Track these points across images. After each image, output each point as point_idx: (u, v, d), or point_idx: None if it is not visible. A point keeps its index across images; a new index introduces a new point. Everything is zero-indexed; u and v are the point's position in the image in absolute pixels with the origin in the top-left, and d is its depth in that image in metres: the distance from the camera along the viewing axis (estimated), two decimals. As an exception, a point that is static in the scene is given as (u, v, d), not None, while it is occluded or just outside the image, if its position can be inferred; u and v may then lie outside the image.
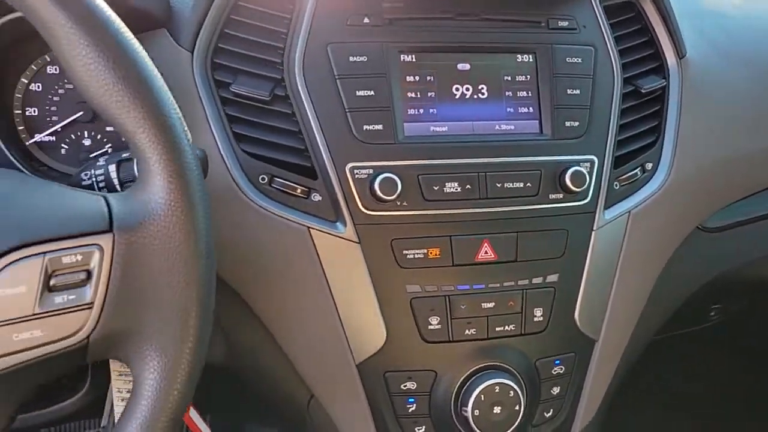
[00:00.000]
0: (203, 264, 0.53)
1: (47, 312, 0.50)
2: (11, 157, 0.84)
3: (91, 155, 0.92)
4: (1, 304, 0.48)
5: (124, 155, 0.66)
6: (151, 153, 0.51)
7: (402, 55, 0.79)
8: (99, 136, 0.92)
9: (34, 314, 0.49)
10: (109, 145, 0.92)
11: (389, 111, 0.77)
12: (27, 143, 0.89)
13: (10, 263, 0.49)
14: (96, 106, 0.51)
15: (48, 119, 0.90)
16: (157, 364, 0.52)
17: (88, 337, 0.50)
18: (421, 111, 0.80)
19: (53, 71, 0.90)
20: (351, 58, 0.77)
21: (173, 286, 0.51)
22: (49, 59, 0.90)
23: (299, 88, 0.76)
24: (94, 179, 0.66)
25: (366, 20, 0.78)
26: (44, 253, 0.50)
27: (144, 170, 0.52)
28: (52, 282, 0.50)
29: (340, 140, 0.76)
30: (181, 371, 0.53)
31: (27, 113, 0.89)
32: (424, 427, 0.80)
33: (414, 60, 0.80)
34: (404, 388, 0.79)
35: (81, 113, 0.90)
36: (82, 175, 0.67)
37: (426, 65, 0.80)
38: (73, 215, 0.51)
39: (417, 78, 0.80)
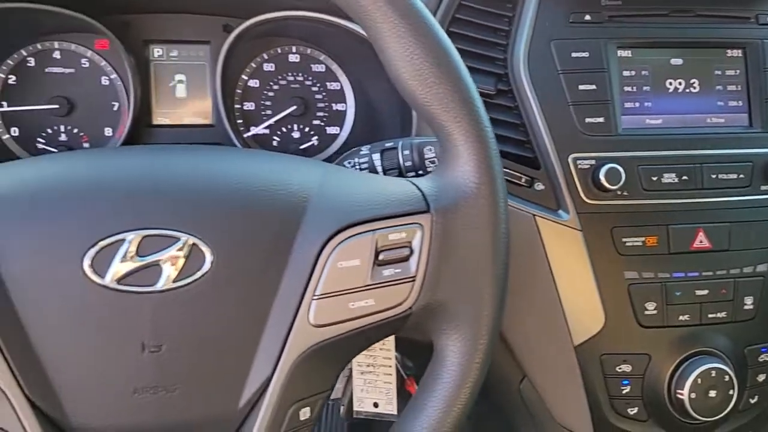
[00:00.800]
0: (504, 238, 0.57)
1: (378, 283, 0.55)
2: (240, 147, 0.91)
3: (300, 147, 0.98)
4: (340, 275, 0.54)
5: (387, 145, 0.71)
6: (463, 142, 0.56)
7: (620, 51, 0.82)
8: (307, 129, 0.98)
9: (367, 285, 0.54)
10: (316, 137, 0.98)
11: (609, 104, 0.81)
12: (245, 135, 0.96)
13: (347, 239, 0.54)
14: (412, 97, 0.56)
15: (263, 113, 0.97)
16: (463, 336, 0.57)
17: (411, 307, 0.55)
18: (637, 104, 0.83)
19: (269, 68, 0.97)
20: (573, 54, 0.81)
21: (482, 260, 0.56)
22: (266, 57, 0.96)
23: (524, 82, 0.80)
24: (357, 167, 0.72)
25: (587, 17, 0.82)
26: (374, 230, 0.55)
27: (452, 156, 0.57)
28: (380, 257, 0.55)
29: (563, 132, 0.80)
30: (483, 342, 0.57)
31: (245, 108, 0.96)
32: (636, 408, 0.83)
33: (630, 55, 0.83)
34: (619, 371, 0.82)
35: (294, 107, 0.96)
36: (345, 162, 0.73)
37: (641, 60, 0.83)
38: (394, 198, 0.56)
39: (633, 73, 0.83)
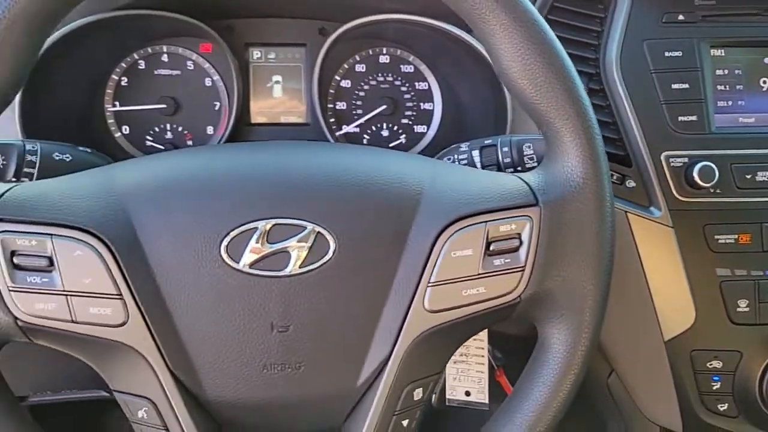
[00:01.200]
0: (610, 231, 0.59)
1: (489, 272, 0.57)
2: (333, 146, 0.95)
3: (389, 145, 1.02)
4: (454, 264, 0.57)
5: (486, 142, 0.74)
6: (571, 138, 0.58)
7: (713, 50, 0.83)
8: (395, 128, 1.02)
9: (479, 274, 0.57)
10: (404, 135, 1.02)
11: (702, 103, 0.82)
12: (336, 134, 1.00)
13: (460, 230, 0.57)
14: (520, 94, 0.58)
15: (354, 113, 1.01)
16: (569, 325, 0.59)
17: (520, 296, 0.58)
18: (730, 103, 0.84)
19: (361, 69, 1.01)
20: (666, 54, 0.82)
21: (589, 252, 0.58)
22: (358, 58, 1.00)
23: (616, 82, 0.82)
24: (456, 163, 0.75)
25: (680, 17, 0.83)
26: (485, 222, 0.58)
27: (559, 152, 0.59)
28: (491, 247, 0.58)
29: (655, 130, 0.82)
30: (588, 331, 0.59)
31: (337, 107, 1.01)
32: (726, 404, 0.83)
33: (723, 54, 0.84)
34: (710, 367, 0.83)
35: (384, 107, 1.00)
36: (444, 159, 0.76)
37: (734, 59, 0.84)
38: (504, 192, 0.59)
39: (726, 71, 0.84)
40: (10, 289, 0.52)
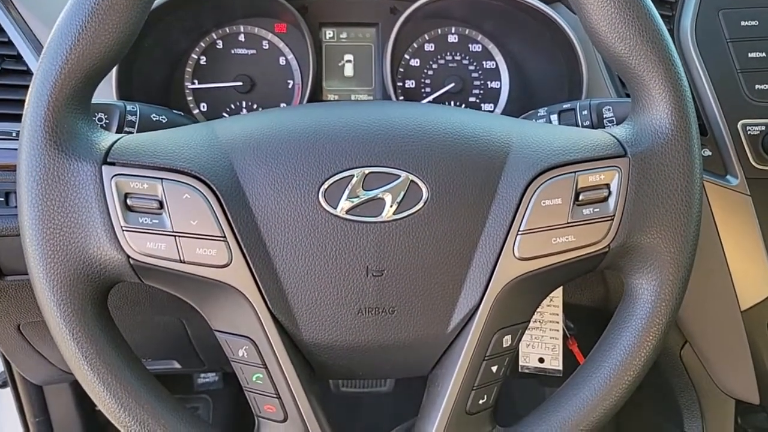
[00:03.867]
0: (699, 182, 0.60)
1: (578, 221, 0.59)
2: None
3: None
4: (543, 213, 0.58)
5: (565, 106, 0.75)
6: (660, 90, 0.59)
7: (790, 19, 0.83)
8: (463, 106, 1.03)
9: (568, 222, 0.58)
10: (471, 113, 1.03)
11: (780, 71, 0.82)
12: (406, 111, 1.02)
13: (550, 179, 0.59)
14: (608, 48, 0.59)
15: (423, 91, 1.03)
16: (657, 275, 0.59)
17: (608, 245, 0.59)
18: (808, 71, 0.83)
19: (430, 48, 1.03)
20: (742, 23, 0.82)
21: (678, 202, 0.59)
22: (427, 38, 1.02)
23: (691, 51, 0.83)
24: (535, 127, 0.76)
25: (757, -14, 0.83)
26: (575, 172, 0.59)
27: (647, 104, 0.60)
28: (580, 197, 0.59)
29: (731, 99, 0.82)
30: (677, 283, 0.60)
31: (407, 85, 1.03)
32: (806, 376, 0.82)
33: (800, 23, 0.83)
34: (788, 336, 0.82)
35: (452, 85, 1.01)
36: (522, 124, 0.77)
37: (811, 28, 0.83)
38: (592, 143, 0.60)
39: (803, 40, 0.83)
40: (124, 229, 0.55)
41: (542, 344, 0.86)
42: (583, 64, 0.86)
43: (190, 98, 0.99)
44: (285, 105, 1.01)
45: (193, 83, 0.99)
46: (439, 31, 1.02)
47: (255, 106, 1.01)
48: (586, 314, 0.91)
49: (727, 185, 0.81)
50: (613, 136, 0.61)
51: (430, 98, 1.02)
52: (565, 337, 0.87)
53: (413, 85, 1.03)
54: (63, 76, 0.55)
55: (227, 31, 0.99)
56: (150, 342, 1.07)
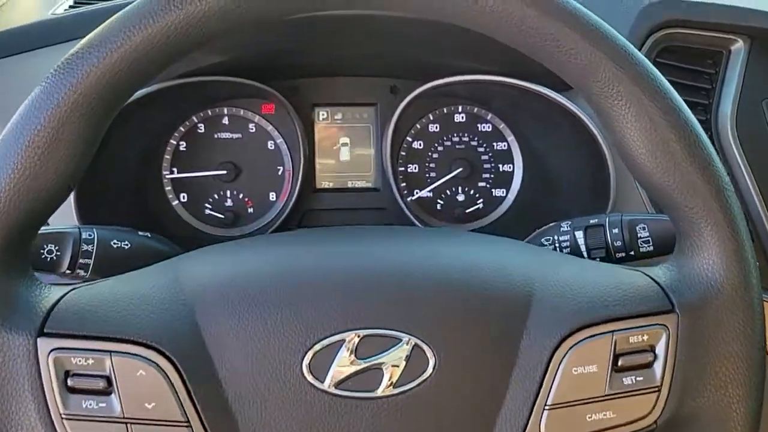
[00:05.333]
0: (761, 343, 0.50)
1: (617, 393, 0.48)
2: (407, 211, 0.87)
3: (465, 210, 0.93)
4: (575, 383, 0.48)
5: (592, 221, 0.65)
6: (712, 229, 0.49)
7: (842, 109, 0.73)
8: (472, 192, 0.94)
9: (606, 395, 0.48)
10: (481, 200, 0.94)
11: (832, 168, 0.72)
12: (408, 199, 0.92)
13: (582, 340, 0.48)
14: (646, 176, 0.49)
15: (427, 176, 0.93)
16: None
17: (656, 421, 0.49)
18: None
19: (434, 129, 0.93)
20: (790, 114, 0.73)
21: (738, 369, 0.49)
22: (432, 118, 0.93)
23: (730, 142, 0.73)
24: (557, 245, 0.66)
25: (804, 74, 0.73)
26: (612, 331, 0.49)
27: (696, 245, 0.50)
28: (619, 362, 0.48)
29: (779, 201, 0.72)
30: None
31: (409, 170, 0.93)
32: None
33: None
34: None
35: (460, 169, 0.92)
36: (543, 240, 0.67)
37: None
38: (631, 293, 0.50)
39: None
40: (63, 417, 0.45)
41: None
42: (610, 165, 0.76)
43: (168, 188, 0.90)
44: (275, 194, 0.91)
45: (172, 172, 0.90)
46: (445, 110, 0.93)
47: (241, 196, 0.91)
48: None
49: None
50: (655, 282, 0.51)
51: (436, 184, 0.92)
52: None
53: (416, 170, 0.93)
54: None
55: (209, 113, 0.90)
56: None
